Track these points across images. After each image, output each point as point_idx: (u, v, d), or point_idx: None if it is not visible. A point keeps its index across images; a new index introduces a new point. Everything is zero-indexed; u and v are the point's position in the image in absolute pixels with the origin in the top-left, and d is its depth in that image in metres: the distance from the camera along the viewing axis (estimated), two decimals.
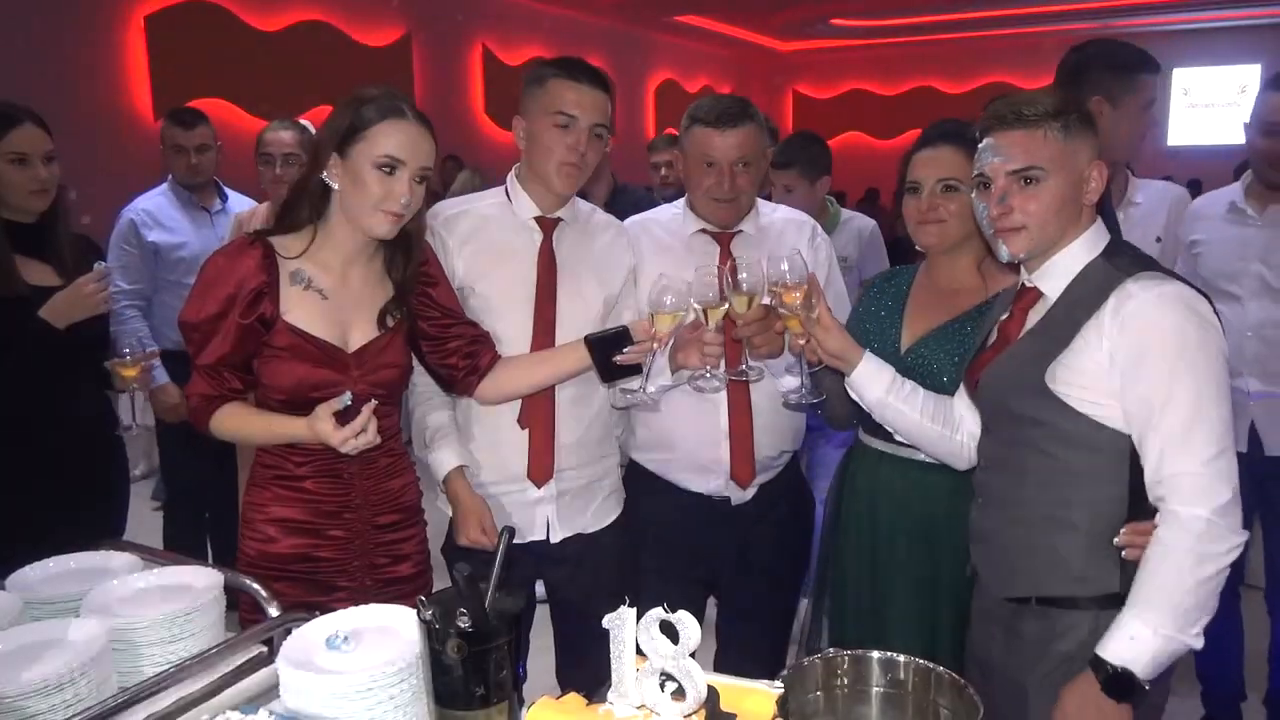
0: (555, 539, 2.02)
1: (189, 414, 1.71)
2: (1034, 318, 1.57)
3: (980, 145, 1.54)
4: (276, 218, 1.76)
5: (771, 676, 1.11)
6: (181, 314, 1.68)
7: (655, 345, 1.74)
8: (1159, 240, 2.78)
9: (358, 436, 1.56)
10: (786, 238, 2.14)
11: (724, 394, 2.06)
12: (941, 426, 1.76)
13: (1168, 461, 1.40)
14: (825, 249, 2.21)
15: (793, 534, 2.27)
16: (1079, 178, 1.50)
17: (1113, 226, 2.62)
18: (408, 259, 1.77)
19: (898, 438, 1.88)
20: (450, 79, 9.17)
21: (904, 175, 1.92)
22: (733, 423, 2.08)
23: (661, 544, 2.14)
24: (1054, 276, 1.53)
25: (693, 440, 2.10)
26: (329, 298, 1.70)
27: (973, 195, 1.58)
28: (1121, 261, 1.49)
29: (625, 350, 1.76)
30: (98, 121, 6.28)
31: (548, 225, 1.99)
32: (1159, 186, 2.92)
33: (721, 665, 2.31)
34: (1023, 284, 1.61)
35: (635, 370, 1.81)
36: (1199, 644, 1.38)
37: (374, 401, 1.60)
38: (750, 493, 2.14)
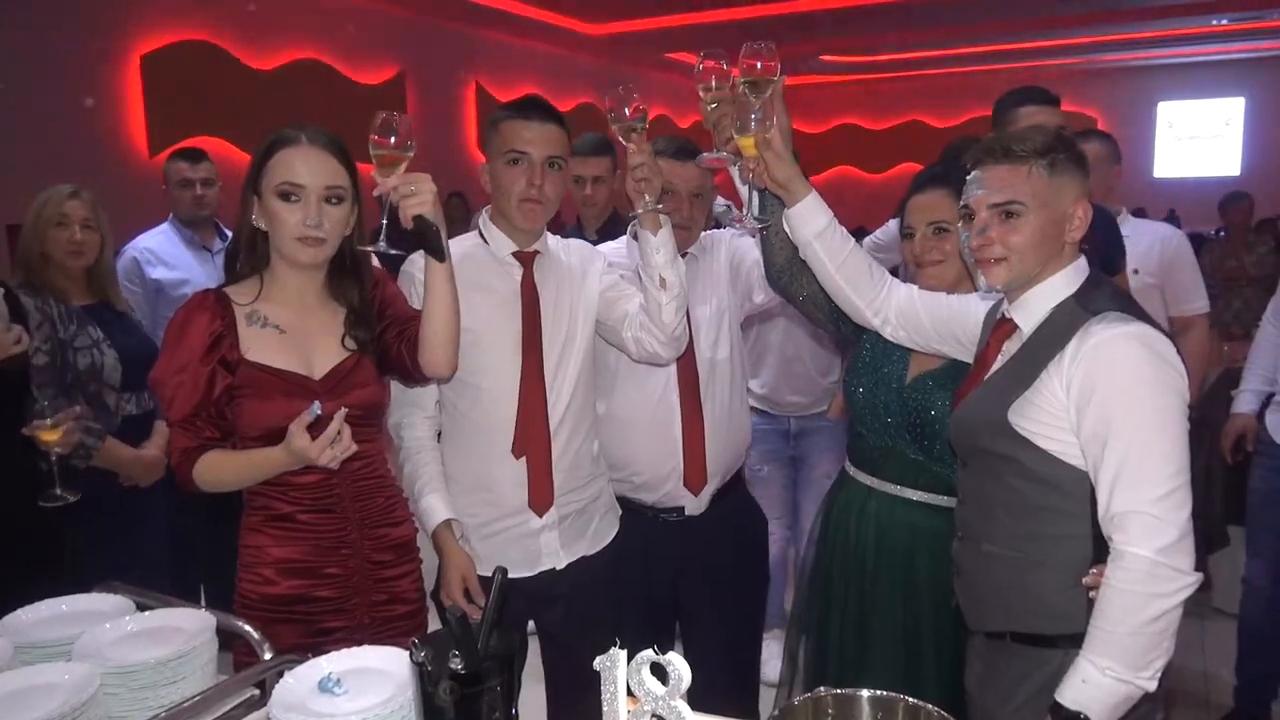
0: (561, 565, 2.02)
1: (175, 471, 1.68)
2: (1009, 350, 1.59)
3: (968, 177, 1.57)
4: (225, 269, 1.78)
5: (741, 711, 1.11)
6: (151, 374, 1.69)
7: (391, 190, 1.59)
8: (1135, 272, 2.94)
9: (333, 445, 1.55)
10: (732, 253, 2.30)
11: (677, 407, 2.18)
12: (852, 292, 1.80)
13: (1116, 499, 1.38)
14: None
15: (749, 547, 2.36)
16: (1061, 215, 1.52)
17: (1116, 240, 2.72)
18: (358, 283, 1.78)
19: (883, 474, 1.90)
20: (444, 116, 9.24)
21: (902, 220, 1.97)
22: (685, 431, 2.19)
23: (624, 566, 2.16)
24: (1029, 311, 1.55)
25: (648, 454, 2.19)
26: (286, 331, 1.71)
27: (959, 225, 1.61)
28: (1092, 300, 1.50)
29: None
30: (94, 160, 6.31)
31: (526, 259, 2.02)
32: (1150, 225, 3.12)
33: (690, 700, 2.31)
34: (1002, 313, 1.63)
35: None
36: (1152, 686, 1.35)
37: (344, 410, 1.58)
38: (703, 503, 2.22)
